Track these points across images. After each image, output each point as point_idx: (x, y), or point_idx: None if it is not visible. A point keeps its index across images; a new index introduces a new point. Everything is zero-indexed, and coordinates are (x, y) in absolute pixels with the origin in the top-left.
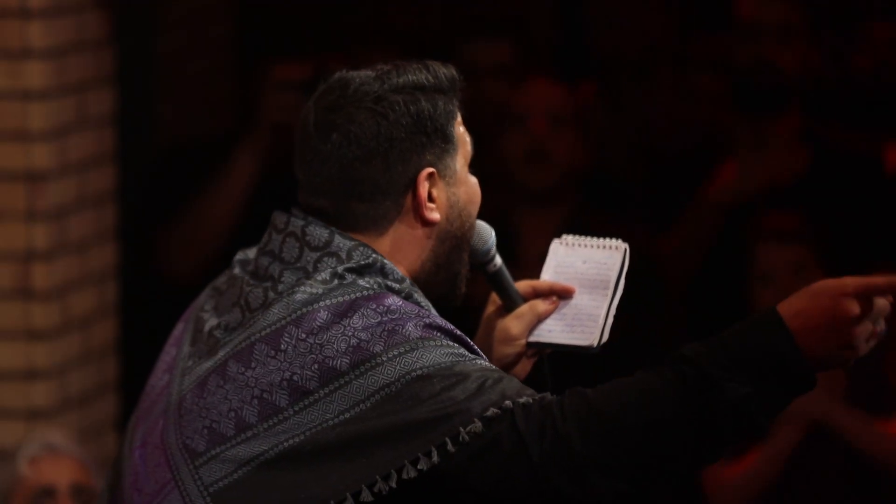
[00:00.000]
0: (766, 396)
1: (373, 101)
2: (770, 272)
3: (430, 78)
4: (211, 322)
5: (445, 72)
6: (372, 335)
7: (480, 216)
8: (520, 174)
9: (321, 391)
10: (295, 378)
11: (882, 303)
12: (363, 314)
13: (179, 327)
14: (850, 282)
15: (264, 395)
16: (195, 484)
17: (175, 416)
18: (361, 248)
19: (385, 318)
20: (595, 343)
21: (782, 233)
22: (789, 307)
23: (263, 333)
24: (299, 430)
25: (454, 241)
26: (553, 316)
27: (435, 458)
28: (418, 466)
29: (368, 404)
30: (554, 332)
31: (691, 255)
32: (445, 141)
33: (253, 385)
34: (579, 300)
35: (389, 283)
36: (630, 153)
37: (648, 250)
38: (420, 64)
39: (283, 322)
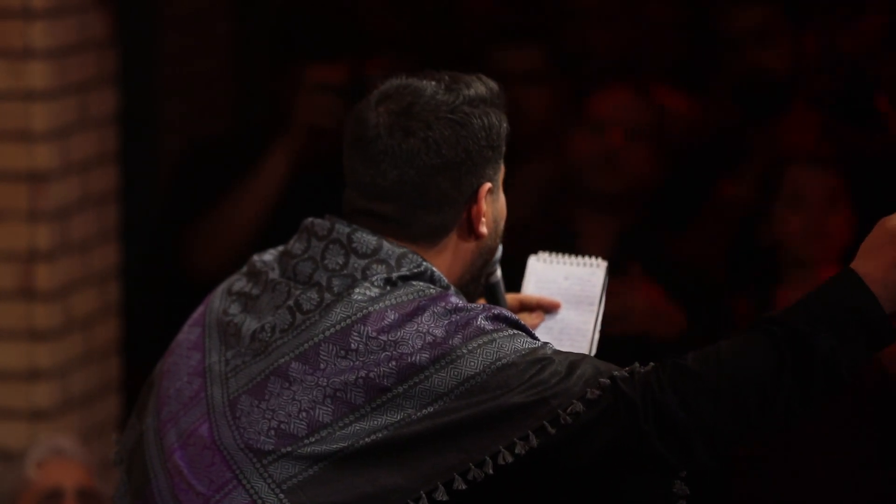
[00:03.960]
0: (849, 349)
1: (450, 111)
2: (800, 196)
3: (489, 92)
4: (249, 325)
5: (494, 86)
6: (447, 331)
7: (532, 216)
8: (587, 178)
9: (400, 387)
10: (371, 376)
11: None
12: (432, 312)
13: (195, 332)
14: None
15: (338, 395)
16: (265, 481)
17: (228, 418)
18: (410, 256)
19: (455, 316)
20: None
21: (815, 157)
22: (864, 262)
23: (328, 334)
24: (380, 427)
25: (489, 254)
26: (539, 330)
27: (533, 442)
28: (515, 451)
29: (453, 396)
30: None
31: (712, 258)
32: (500, 156)
33: (324, 385)
34: (565, 315)
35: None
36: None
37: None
38: (474, 76)
39: (349, 321)
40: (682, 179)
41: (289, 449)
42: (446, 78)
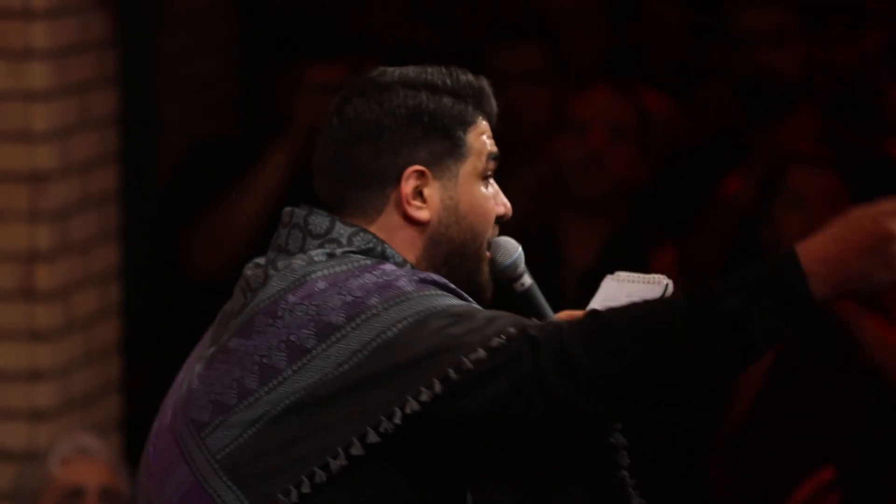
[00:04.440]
0: (764, 316)
1: (377, 91)
2: (801, 196)
3: (448, 81)
4: (221, 313)
5: (472, 81)
6: (367, 291)
7: (517, 223)
8: (571, 181)
9: (319, 347)
10: (293, 339)
11: None
12: (359, 278)
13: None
14: (887, 203)
15: (264, 361)
16: (203, 454)
17: (184, 401)
18: (363, 234)
19: (381, 279)
20: None
21: (816, 158)
22: (811, 240)
23: (262, 306)
24: (300, 388)
25: (451, 246)
26: None
27: (437, 389)
28: (421, 399)
29: (366, 352)
30: None
31: (711, 261)
32: (450, 143)
33: (253, 353)
34: None
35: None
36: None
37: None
38: (451, 69)
39: (282, 292)
40: (680, 180)
41: (221, 419)
42: (417, 67)
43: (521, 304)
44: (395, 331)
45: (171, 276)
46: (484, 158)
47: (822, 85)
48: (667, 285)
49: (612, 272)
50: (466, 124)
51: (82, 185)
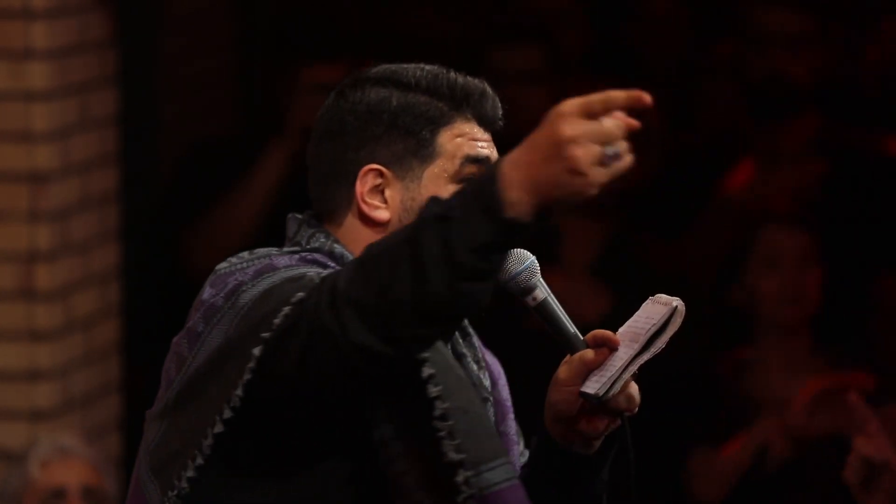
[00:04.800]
0: (463, 221)
1: (350, 87)
2: (775, 256)
3: (424, 79)
4: None
5: (459, 81)
6: (246, 274)
7: None
8: None
9: (206, 330)
10: (191, 325)
11: (610, 123)
12: (257, 267)
13: None
14: (568, 102)
15: (176, 352)
16: (145, 446)
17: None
18: (317, 234)
19: (268, 263)
20: (599, 393)
21: (789, 217)
22: (517, 147)
23: (195, 304)
24: (192, 371)
25: None
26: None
27: (258, 352)
28: (250, 366)
29: (233, 328)
30: (588, 382)
31: (710, 260)
32: (414, 143)
33: (175, 345)
34: (619, 352)
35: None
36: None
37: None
38: (440, 68)
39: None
40: (680, 179)
41: (155, 411)
42: (405, 64)
43: (537, 319)
44: (251, 304)
45: (171, 276)
46: (458, 161)
47: (834, 85)
48: (675, 307)
49: (612, 271)
50: (437, 125)
51: (82, 186)
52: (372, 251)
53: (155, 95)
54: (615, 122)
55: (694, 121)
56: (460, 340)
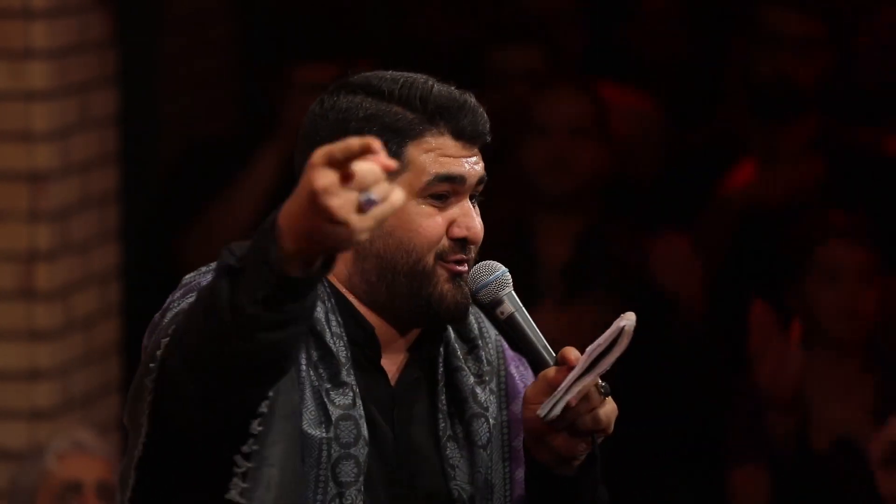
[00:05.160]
0: (250, 277)
1: (328, 93)
2: (837, 271)
3: (397, 90)
4: None
5: (432, 92)
6: (179, 291)
7: (491, 228)
8: (539, 181)
9: (147, 344)
10: (144, 343)
11: (364, 168)
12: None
13: None
14: (317, 152)
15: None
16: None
17: None
18: None
19: (194, 283)
20: (541, 413)
21: (850, 232)
22: (290, 196)
23: None
24: (132, 387)
25: (379, 260)
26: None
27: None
28: (149, 400)
29: (147, 351)
30: (544, 401)
31: (709, 258)
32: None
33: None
34: (573, 371)
35: None
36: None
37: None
38: (411, 77)
39: None
40: (680, 177)
41: None
42: (389, 72)
43: (504, 333)
44: (162, 328)
45: (171, 276)
46: (426, 178)
47: (834, 83)
48: (622, 328)
49: (586, 268)
50: (405, 137)
51: (82, 185)
52: (197, 297)
53: (155, 95)
54: (369, 167)
55: (694, 121)
56: (458, 353)
